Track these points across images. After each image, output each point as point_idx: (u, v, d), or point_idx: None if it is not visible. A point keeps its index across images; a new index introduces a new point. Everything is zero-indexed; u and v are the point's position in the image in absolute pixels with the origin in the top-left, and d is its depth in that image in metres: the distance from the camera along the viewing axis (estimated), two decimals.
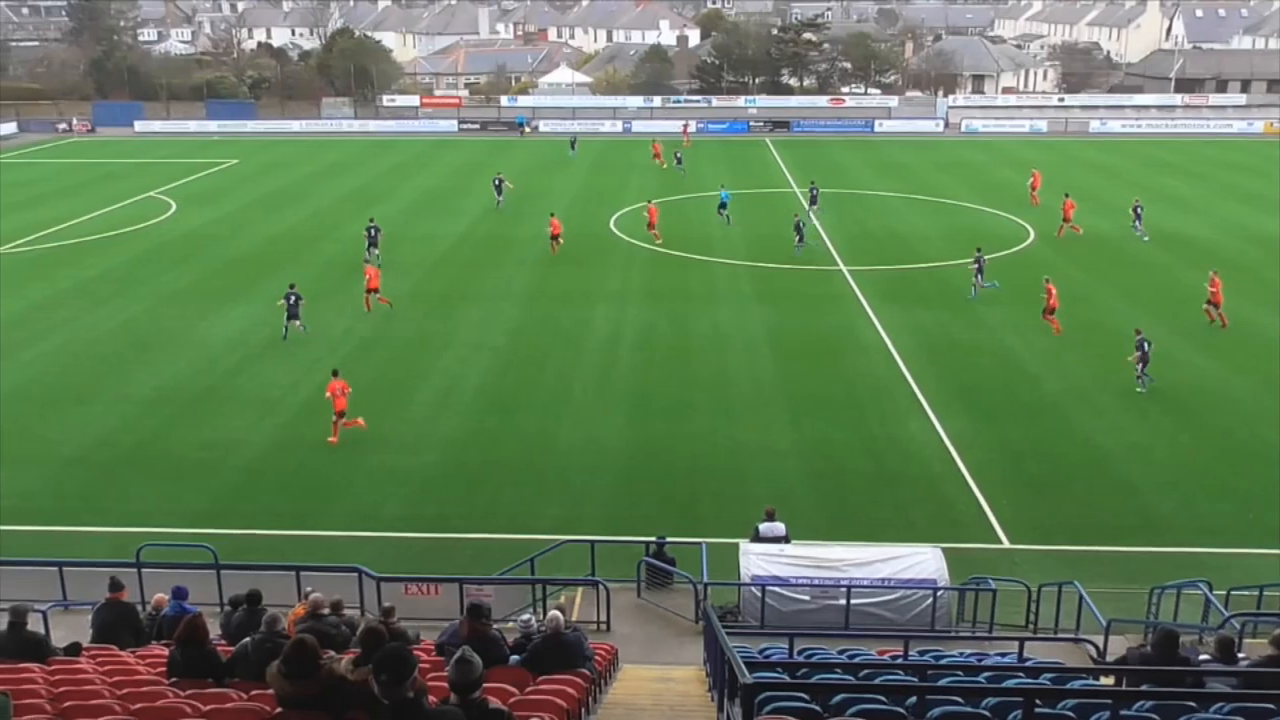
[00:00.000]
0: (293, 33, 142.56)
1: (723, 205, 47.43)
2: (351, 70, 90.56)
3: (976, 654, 13.41)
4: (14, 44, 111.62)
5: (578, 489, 22.44)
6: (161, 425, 25.79)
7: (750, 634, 15.13)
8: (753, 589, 16.44)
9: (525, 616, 12.60)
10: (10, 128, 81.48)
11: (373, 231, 40.36)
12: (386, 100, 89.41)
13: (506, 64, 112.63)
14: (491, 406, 26.94)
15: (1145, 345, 27.16)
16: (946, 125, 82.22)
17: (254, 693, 8.60)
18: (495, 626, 11.36)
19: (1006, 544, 20.32)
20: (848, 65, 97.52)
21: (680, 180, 57.74)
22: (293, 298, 31.66)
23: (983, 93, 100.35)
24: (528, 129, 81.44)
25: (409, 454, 24.19)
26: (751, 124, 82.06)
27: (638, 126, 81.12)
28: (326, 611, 12.05)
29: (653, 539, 18.15)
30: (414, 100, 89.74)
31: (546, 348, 31.25)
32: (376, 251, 39.78)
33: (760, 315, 34.06)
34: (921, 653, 12.87)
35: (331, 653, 8.64)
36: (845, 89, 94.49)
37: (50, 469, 23.45)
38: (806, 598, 16.42)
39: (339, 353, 30.65)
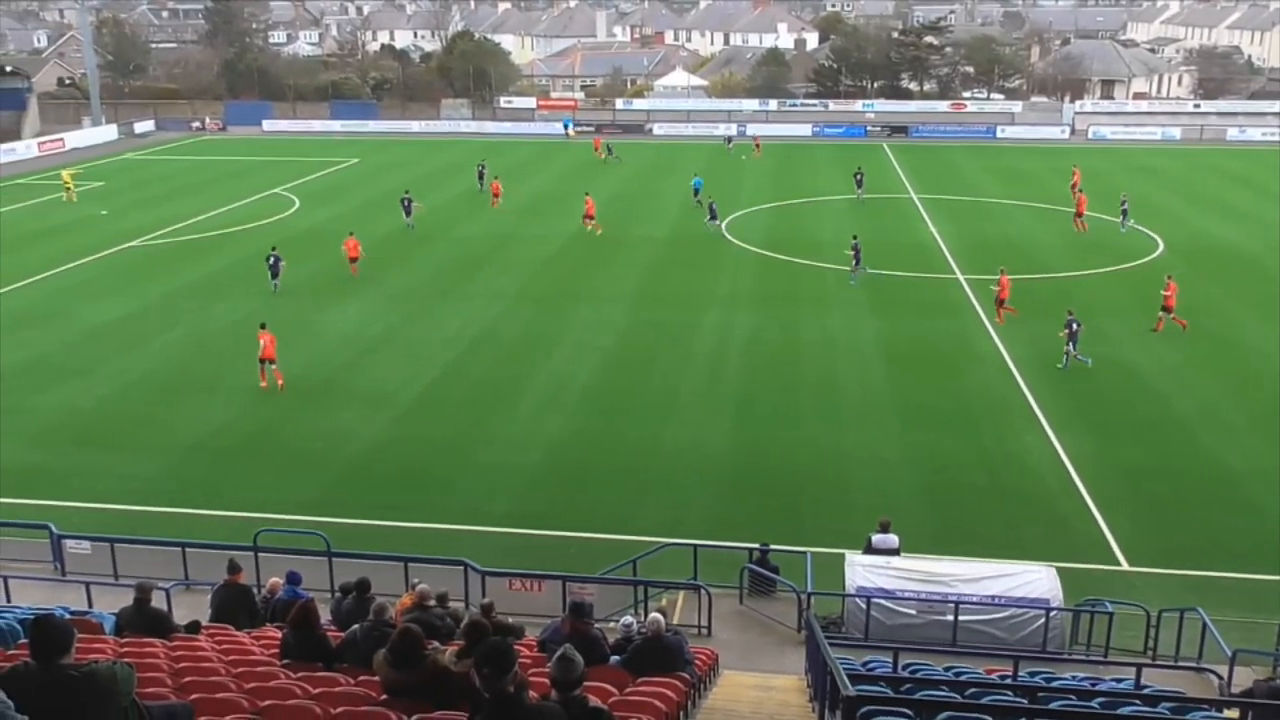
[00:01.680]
0: (414, 35, 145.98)
1: (696, 192, 51.32)
2: (470, 72, 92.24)
3: (1090, 679, 12.99)
4: (154, 46, 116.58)
5: (681, 492, 22.45)
6: (278, 415, 26.65)
7: (853, 646, 14.93)
8: (857, 600, 16.22)
9: (626, 618, 12.65)
10: (148, 125, 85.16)
11: (406, 202, 46.55)
12: (504, 102, 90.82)
13: (622, 67, 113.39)
14: (598, 407, 27.13)
15: (1074, 325, 29.08)
16: (1072, 131, 79.89)
17: (361, 678, 8.81)
18: (596, 626, 11.44)
19: (1125, 566, 19.64)
20: (970, 69, 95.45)
21: (789, 183, 57.25)
22: (272, 259, 37.07)
23: (1112, 98, 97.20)
24: (572, 133, 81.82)
25: (516, 452, 24.52)
26: (869, 128, 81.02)
27: (752, 130, 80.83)
28: (433, 603, 12.29)
29: (756, 545, 18.06)
30: (530, 102, 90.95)
31: (654, 350, 31.34)
32: (410, 218, 45.98)
33: (871, 322, 33.60)
34: (1032, 674, 12.52)
35: (436, 643, 8.81)
36: (967, 94, 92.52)
37: (174, 454, 24.44)
38: (913, 612, 16.13)
39: (452, 349, 31.26)
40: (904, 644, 14.23)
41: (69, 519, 20.24)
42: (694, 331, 32.94)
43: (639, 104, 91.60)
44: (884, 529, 18.00)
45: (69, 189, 54.68)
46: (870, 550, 17.56)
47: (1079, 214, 45.40)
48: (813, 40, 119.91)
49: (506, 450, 24.60)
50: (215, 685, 8.49)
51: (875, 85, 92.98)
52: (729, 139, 69.71)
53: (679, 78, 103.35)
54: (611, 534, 20.45)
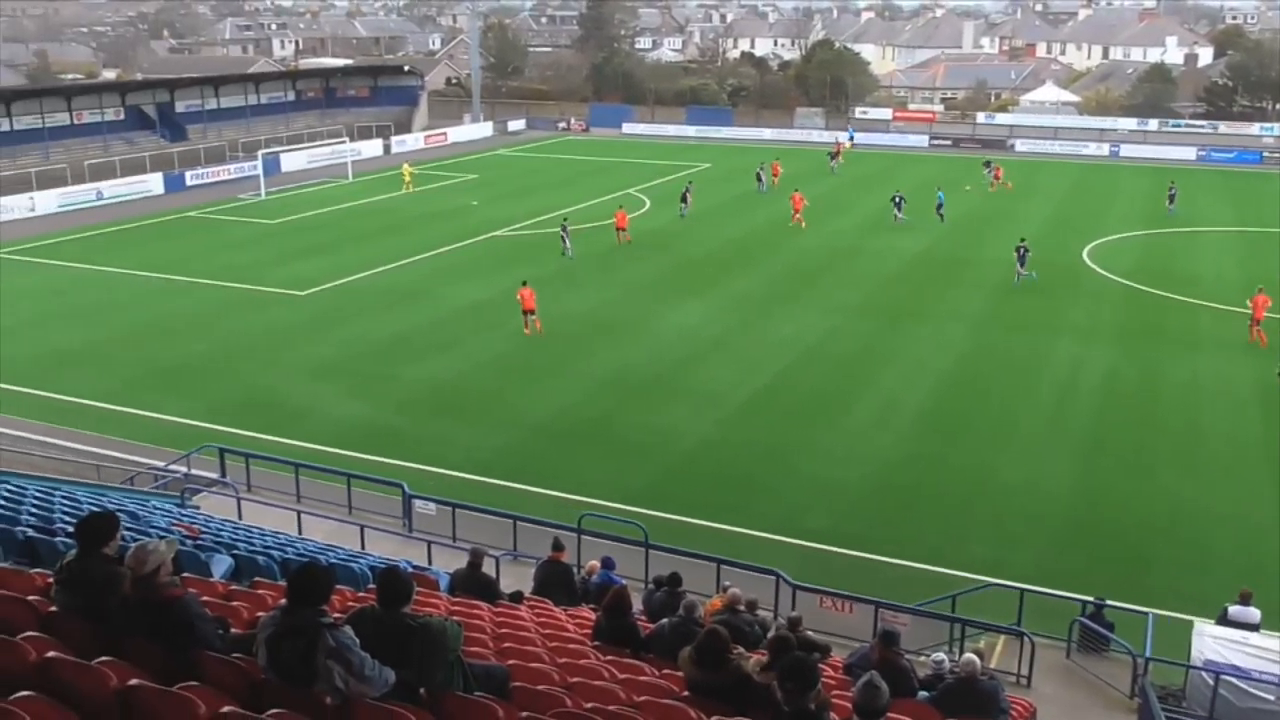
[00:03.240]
0: (775, 43, 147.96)
1: (939, 205, 50.38)
2: (828, 81, 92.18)
3: None
4: (531, 49, 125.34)
5: (1012, 531, 21.29)
6: (613, 405, 27.80)
7: None
8: (1204, 675, 14.68)
9: (939, 654, 12.15)
10: (520, 124, 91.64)
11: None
12: (859, 112, 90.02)
13: (987, 79, 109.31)
14: (929, 430, 26.29)
15: (1022, 251, 38.66)
16: None
17: (665, 671, 8.97)
18: (906, 657, 11.06)
19: None
20: None
21: (1167, 215, 52.87)
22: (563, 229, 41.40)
23: None
24: (849, 144, 78.04)
25: (839, 467, 24.22)
26: (1265, 154, 73.30)
27: (1126, 150, 75.45)
28: (742, 608, 12.35)
29: (1090, 599, 16.80)
30: (886, 113, 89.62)
31: (995, 377, 29.95)
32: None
33: (1249, 368, 30.38)
34: None
35: (741, 649, 8.82)
36: None
37: (517, 432, 26.11)
38: (1271, 698, 14.39)
39: (784, 357, 31.37)
40: None
41: (419, 481, 22.08)
42: (1041, 361, 31.17)
43: (1002, 119, 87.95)
44: (1244, 600, 16.18)
45: (407, 182, 59.81)
46: (1225, 622, 15.85)
47: None
48: (1206, 55, 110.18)
49: (830, 464, 24.35)
50: (530, 655, 8.94)
51: (1277, 107, 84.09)
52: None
53: (1049, 92, 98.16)
54: (931, 565, 19.73)
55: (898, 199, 51.18)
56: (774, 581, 16.89)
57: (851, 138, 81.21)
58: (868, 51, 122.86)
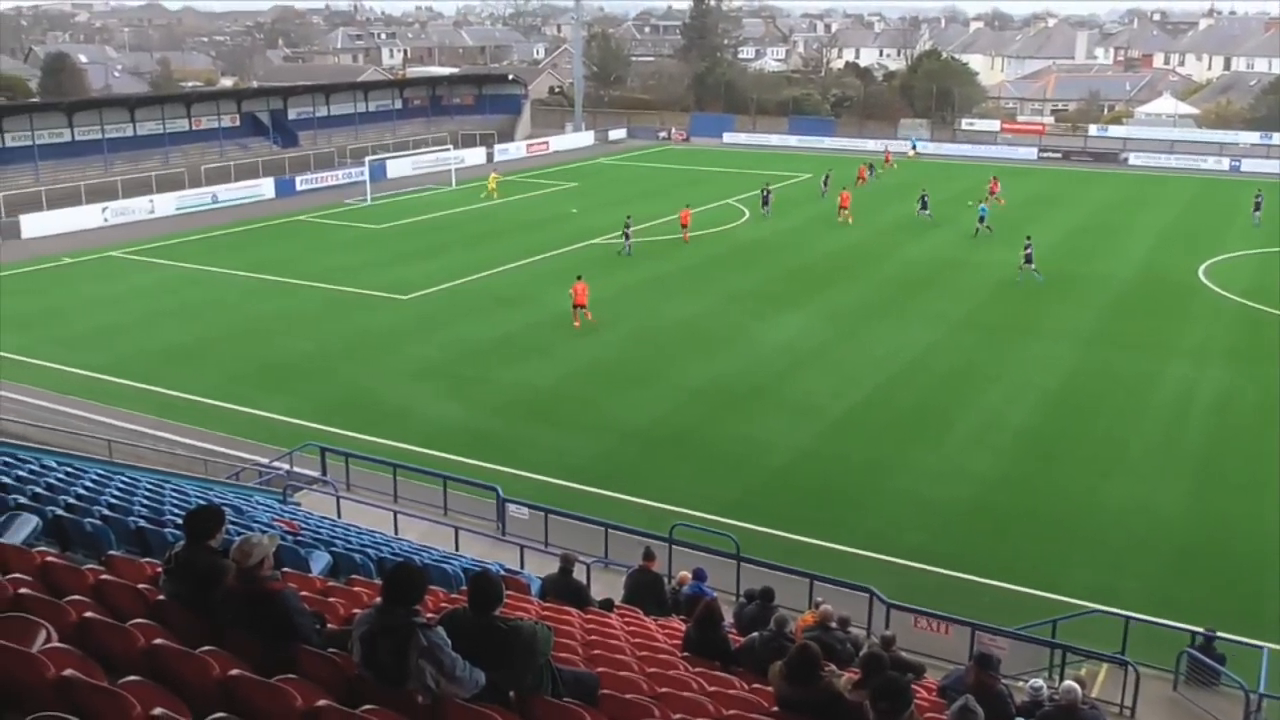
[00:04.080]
0: (880, 53, 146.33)
1: (982, 219, 49.17)
2: (933, 92, 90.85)
3: None
4: (634, 59, 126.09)
5: (1117, 556, 20.64)
6: (707, 415, 27.74)
7: None
8: None
9: (1037, 681, 11.81)
10: (621, 133, 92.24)
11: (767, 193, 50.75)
12: (965, 124, 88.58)
13: (1100, 90, 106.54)
14: (1032, 450, 25.66)
15: (1028, 250, 39.58)
16: None
17: (755, 686, 8.91)
18: (1003, 682, 10.79)
19: None
20: None
21: (1252, 227, 50.81)
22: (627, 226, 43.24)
23: None
24: (913, 153, 78.46)
25: (937, 484, 23.79)
26: None
27: (1248, 165, 72.78)
28: (834, 625, 12.20)
29: (1200, 630, 16.16)
30: (994, 125, 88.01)
31: (1103, 397, 29.10)
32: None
33: None
34: None
35: (833, 666, 8.72)
36: None
37: (609, 439, 26.22)
38: None
39: (883, 371, 30.96)
40: None
41: (512, 484, 22.31)
42: (1152, 382, 30.20)
43: (1115, 131, 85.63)
44: None
45: (491, 189, 60.57)
46: None
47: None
48: None
49: (927, 482, 23.93)
50: (619, 663, 8.95)
51: None
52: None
53: (1165, 104, 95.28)
54: (1031, 589, 19.23)
55: (924, 198, 53.76)
56: (867, 599, 16.65)
57: (914, 146, 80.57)
58: (976, 62, 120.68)
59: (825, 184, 60.20)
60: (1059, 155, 79.52)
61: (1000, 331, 34.89)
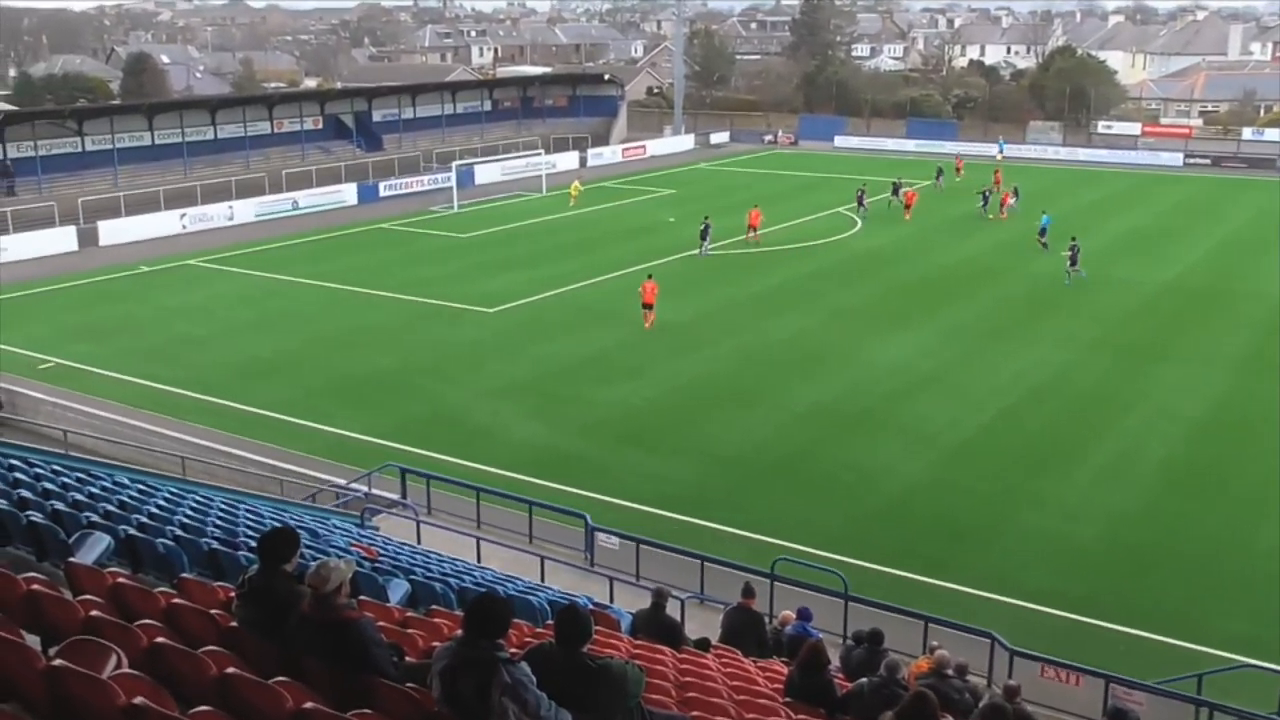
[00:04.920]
0: (1008, 50, 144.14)
1: (1043, 232, 48.05)
2: (1067, 92, 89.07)
3: None
4: (739, 57, 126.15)
5: (1274, 605, 19.85)
6: (813, 440, 27.50)
7: None
8: None
9: None
10: (723, 136, 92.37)
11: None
12: (1102, 126, 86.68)
13: (1256, 90, 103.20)
14: (1175, 485, 24.89)
15: (1074, 250, 41.55)
16: None
17: None
18: None
19: None
20: None
21: None
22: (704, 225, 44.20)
23: None
24: (1000, 156, 77.40)
25: (1068, 520, 23.22)
26: None
27: None
28: (951, 672, 11.97)
29: None
30: (1134, 128, 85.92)
31: (1259, 429, 28.07)
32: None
33: None
34: None
35: (949, 717, 8.53)
36: None
37: (706, 463, 26.15)
38: None
39: (1007, 395, 30.38)
40: None
41: (601, 512, 22.37)
42: None
43: (1272, 135, 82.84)
44: None
45: (574, 198, 61.15)
46: None
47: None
48: None
49: (1056, 517, 23.37)
50: (716, 708, 8.88)
51: None
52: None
53: None
54: (1172, 638, 18.62)
55: (986, 193, 56.45)
56: (988, 645, 16.32)
57: (1001, 150, 79.48)
58: (1115, 59, 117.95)
59: (895, 194, 59.02)
60: (1207, 161, 77.29)
61: (1138, 353, 33.96)
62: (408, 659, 7.25)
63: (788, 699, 10.16)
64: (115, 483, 15.27)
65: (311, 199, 61.62)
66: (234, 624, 7.05)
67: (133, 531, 10.81)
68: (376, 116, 78.02)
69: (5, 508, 10.48)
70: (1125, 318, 38.18)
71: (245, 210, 58.04)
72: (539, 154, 71.95)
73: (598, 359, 33.99)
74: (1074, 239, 43.15)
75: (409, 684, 6.49)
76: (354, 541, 16.12)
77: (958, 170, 69.92)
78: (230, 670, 6.02)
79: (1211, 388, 31.05)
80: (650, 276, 37.12)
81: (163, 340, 36.05)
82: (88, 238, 51.55)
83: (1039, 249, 47.33)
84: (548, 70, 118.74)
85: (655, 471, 25.73)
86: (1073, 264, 42.25)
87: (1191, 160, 77.78)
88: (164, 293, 42.79)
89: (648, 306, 36.26)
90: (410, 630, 9.09)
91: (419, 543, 19.64)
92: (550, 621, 11.20)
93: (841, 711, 9.94)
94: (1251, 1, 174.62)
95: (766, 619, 15.66)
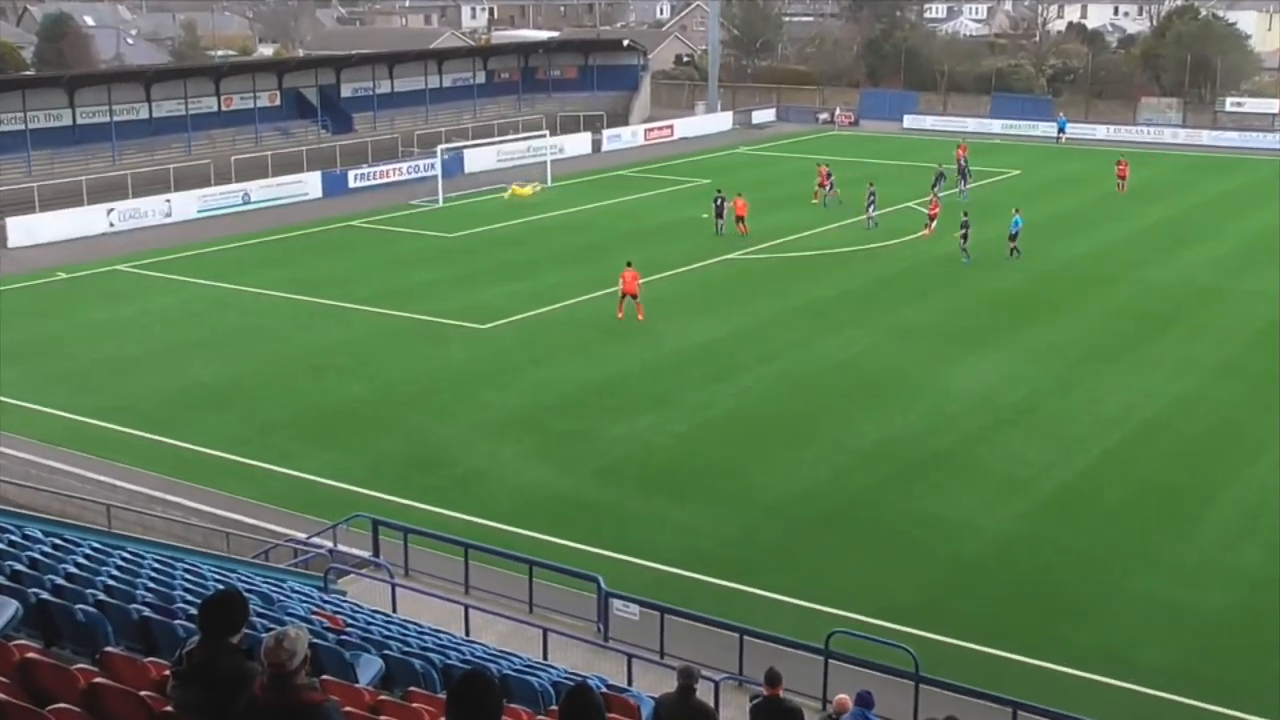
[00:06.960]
0: (1115, 11, 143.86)
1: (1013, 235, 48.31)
2: (1188, 62, 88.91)
3: None
4: (787, 19, 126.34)
5: None
6: (877, 487, 27.43)
7: None
8: None
9: None
10: (768, 115, 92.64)
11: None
12: (1231, 104, 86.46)
13: None
14: None
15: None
16: None
17: None
18: None
19: None
20: None
21: None
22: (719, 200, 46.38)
23: None
24: (1062, 137, 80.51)
25: (1188, 586, 23.13)
26: None
27: None
28: None
29: None
30: (1271, 105, 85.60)
31: None
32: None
33: None
34: None
35: None
36: None
37: (749, 515, 26.11)
38: None
39: (1113, 434, 30.27)
40: None
41: (618, 574, 22.32)
42: None
43: None
44: None
45: (521, 195, 61.74)
46: None
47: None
48: None
49: (1175, 582, 23.28)
50: None
51: None
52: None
53: None
54: None
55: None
56: None
57: (1062, 128, 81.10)
58: (1247, 21, 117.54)
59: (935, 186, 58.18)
60: None
61: (1273, 382, 33.75)
62: None
63: None
64: (25, 536, 15.32)
65: (266, 191, 61.94)
66: (169, 709, 7.05)
67: (46, 595, 10.83)
68: (346, 91, 78.49)
69: None
70: (1257, 338, 38.00)
71: (186, 205, 58.29)
72: (543, 136, 72.07)
73: (613, 385, 34.02)
74: (965, 214, 47.65)
75: None
76: (316, 609, 16.13)
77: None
78: None
79: None
80: (630, 264, 39.52)
81: (86, 363, 36.24)
82: None
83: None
84: (554, 35, 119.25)
85: (684, 524, 25.70)
86: (964, 240, 46.09)
87: None
88: (87, 305, 43.04)
89: (631, 296, 38.80)
90: (383, 717, 9.08)
91: (394, 610, 19.63)
92: (554, 707, 11.17)
93: None
94: None
95: (822, 705, 15.57)
